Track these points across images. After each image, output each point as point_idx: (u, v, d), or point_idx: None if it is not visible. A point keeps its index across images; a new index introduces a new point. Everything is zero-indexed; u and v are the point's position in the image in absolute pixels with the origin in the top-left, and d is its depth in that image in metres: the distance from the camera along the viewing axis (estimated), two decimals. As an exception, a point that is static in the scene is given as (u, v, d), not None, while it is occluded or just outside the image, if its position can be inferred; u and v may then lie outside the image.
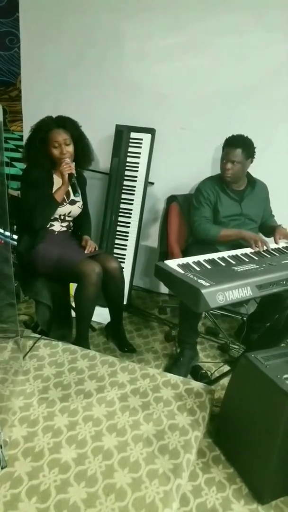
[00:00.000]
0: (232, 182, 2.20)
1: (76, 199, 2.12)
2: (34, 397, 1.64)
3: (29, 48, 2.82)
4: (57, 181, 2.03)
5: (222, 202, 2.21)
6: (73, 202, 2.12)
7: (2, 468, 1.31)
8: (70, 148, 2.00)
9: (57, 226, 2.11)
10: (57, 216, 2.08)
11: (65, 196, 2.04)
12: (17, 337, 1.96)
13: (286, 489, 1.44)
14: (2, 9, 2.87)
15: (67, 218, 2.14)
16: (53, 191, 2.00)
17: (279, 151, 2.44)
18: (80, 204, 2.16)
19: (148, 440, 1.47)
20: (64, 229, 2.15)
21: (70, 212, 2.12)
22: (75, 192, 1.99)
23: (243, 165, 2.15)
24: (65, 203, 2.07)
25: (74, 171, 1.99)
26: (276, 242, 2.11)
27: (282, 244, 2.10)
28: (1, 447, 1.31)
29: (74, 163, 2.02)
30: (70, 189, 2.03)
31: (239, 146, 2.11)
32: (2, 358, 1.86)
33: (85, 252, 2.05)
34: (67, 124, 2.01)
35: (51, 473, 1.31)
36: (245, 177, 2.26)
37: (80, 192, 2.04)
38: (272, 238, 2.18)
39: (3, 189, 1.53)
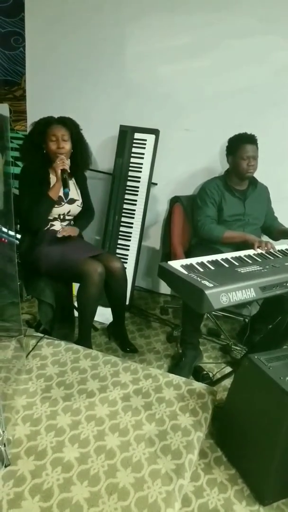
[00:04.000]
0: (249, 178, 2.23)
1: (74, 197, 2.12)
2: (37, 396, 1.65)
3: (33, 48, 2.83)
4: (53, 180, 2.03)
5: (227, 200, 2.22)
6: (72, 201, 2.11)
7: (5, 467, 1.31)
8: (67, 145, 2.00)
9: (57, 226, 2.11)
10: (57, 216, 2.09)
11: (63, 196, 2.05)
12: (20, 336, 1.97)
13: (288, 490, 1.44)
14: (8, 9, 2.88)
15: (67, 217, 2.14)
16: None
17: (284, 153, 2.44)
18: (79, 202, 2.16)
19: (151, 440, 1.47)
20: None
21: (69, 212, 2.12)
22: (64, 187, 1.97)
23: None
24: (63, 203, 2.07)
25: (67, 167, 1.97)
26: None
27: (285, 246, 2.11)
28: (4, 446, 1.32)
29: (69, 160, 2.02)
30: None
31: (254, 143, 2.16)
32: (5, 357, 1.87)
33: (58, 235, 2.01)
34: (67, 122, 2.03)
35: (54, 472, 1.32)
36: None
37: (70, 189, 2.01)
38: (279, 242, 2.19)
39: (8, 188, 1.54)
